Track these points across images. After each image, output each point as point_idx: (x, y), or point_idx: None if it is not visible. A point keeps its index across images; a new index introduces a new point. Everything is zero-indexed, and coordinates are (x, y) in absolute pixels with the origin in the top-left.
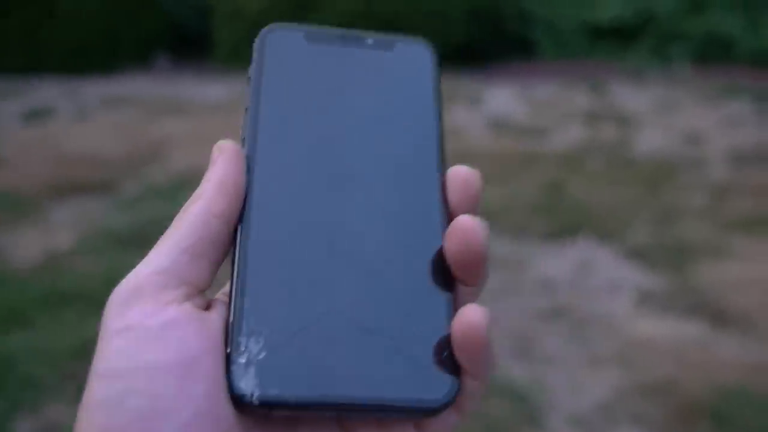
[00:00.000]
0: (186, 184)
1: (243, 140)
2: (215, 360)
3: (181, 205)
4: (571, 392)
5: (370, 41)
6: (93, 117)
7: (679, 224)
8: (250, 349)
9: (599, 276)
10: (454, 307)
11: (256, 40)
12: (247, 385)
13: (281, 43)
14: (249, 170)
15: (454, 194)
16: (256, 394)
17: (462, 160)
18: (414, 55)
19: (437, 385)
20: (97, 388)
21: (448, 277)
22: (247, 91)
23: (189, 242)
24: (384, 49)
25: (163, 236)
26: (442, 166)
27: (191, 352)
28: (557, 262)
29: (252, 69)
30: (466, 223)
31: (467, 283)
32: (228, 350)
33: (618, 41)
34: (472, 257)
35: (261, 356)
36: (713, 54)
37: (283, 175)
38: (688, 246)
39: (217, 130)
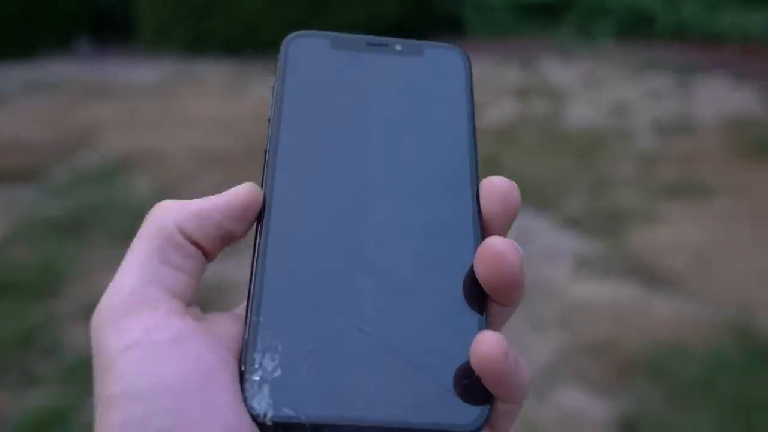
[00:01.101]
0: (118, 169)
1: (265, 152)
2: (232, 372)
3: (114, 190)
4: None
5: (398, 47)
6: (14, 103)
7: (611, 192)
8: (265, 367)
9: (538, 244)
10: (487, 326)
11: (281, 48)
12: (260, 404)
13: (305, 51)
14: (268, 185)
15: (491, 207)
16: (269, 414)
17: None
18: (445, 61)
19: (466, 409)
20: (117, 412)
21: (481, 295)
22: (270, 102)
23: (163, 253)
24: (414, 55)
25: (131, 249)
26: (476, 176)
27: (208, 364)
28: None
29: (276, 79)
30: (497, 245)
31: (501, 304)
32: (242, 368)
33: (545, 18)
34: (503, 281)
35: (276, 374)
36: (636, 29)
37: (304, 187)
38: (621, 213)
39: (146, 112)
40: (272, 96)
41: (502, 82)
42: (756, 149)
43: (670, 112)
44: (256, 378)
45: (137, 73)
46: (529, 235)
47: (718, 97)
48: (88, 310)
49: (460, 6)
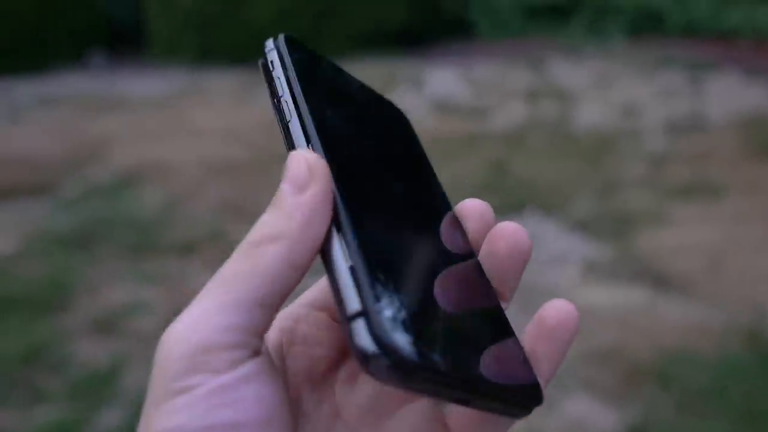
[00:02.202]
0: (128, 182)
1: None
2: (290, 412)
3: (124, 203)
4: None
5: (363, 85)
6: (28, 118)
7: (621, 194)
8: (391, 305)
9: (546, 248)
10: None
11: (269, 45)
12: (401, 340)
13: (298, 52)
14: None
15: (470, 224)
16: (406, 352)
17: None
18: (396, 112)
19: (531, 375)
20: None
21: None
22: (275, 96)
23: (264, 294)
24: (376, 97)
25: (224, 276)
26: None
27: (269, 407)
28: None
29: (278, 73)
30: (510, 224)
31: (502, 297)
32: (358, 307)
33: (554, 19)
34: (521, 255)
35: (401, 315)
36: (646, 27)
37: (357, 182)
38: (630, 215)
39: (156, 124)
40: (276, 89)
41: (510, 85)
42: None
43: (682, 111)
44: (388, 314)
45: (148, 86)
46: (537, 239)
47: (730, 94)
48: (96, 325)
49: (468, 9)
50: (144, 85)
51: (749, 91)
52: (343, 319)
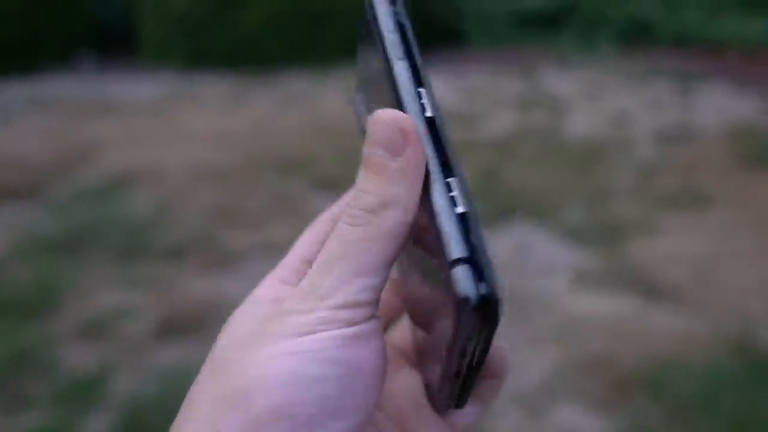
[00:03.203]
0: (117, 185)
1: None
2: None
3: (112, 207)
4: (512, 371)
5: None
6: (16, 121)
7: (610, 203)
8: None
9: (536, 257)
10: None
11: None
12: (498, 284)
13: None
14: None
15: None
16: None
17: None
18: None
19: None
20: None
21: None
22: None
23: (391, 256)
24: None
25: (349, 243)
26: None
27: (383, 361)
28: (495, 246)
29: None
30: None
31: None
32: (465, 253)
33: (545, 28)
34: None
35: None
36: (636, 38)
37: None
38: (620, 224)
39: (146, 128)
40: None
41: (502, 94)
42: (757, 158)
43: (671, 121)
44: (491, 260)
45: (138, 89)
46: (528, 247)
47: (719, 105)
48: (84, 329)
49: (460, 18)
50: (135, 89)
51: (738, 101)
52: (443, 264)
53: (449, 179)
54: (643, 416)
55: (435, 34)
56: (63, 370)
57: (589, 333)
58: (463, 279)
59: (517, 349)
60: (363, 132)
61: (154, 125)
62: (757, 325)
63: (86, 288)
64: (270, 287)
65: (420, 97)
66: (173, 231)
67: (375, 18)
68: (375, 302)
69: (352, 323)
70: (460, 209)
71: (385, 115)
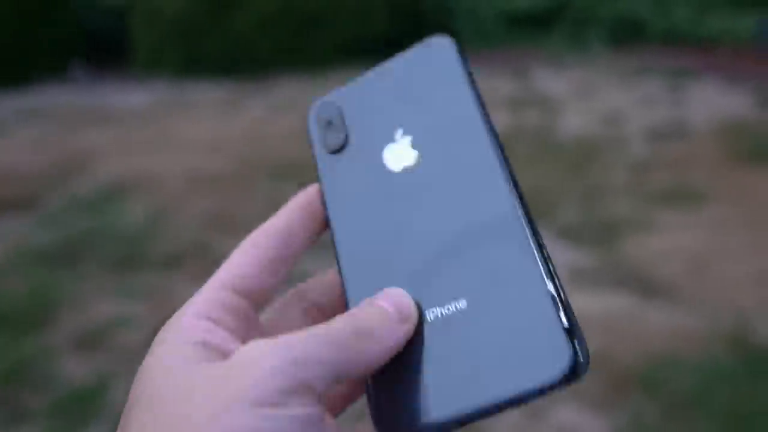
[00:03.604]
0: (111, 195)
1: None
2: None
3: (107, 217)
4: None
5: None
6: (9, 131)
7: (605, 201)
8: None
9: None
10: None
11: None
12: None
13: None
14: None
15: None
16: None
17: None
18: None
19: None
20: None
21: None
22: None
23: (344, 371)
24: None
25: (323, 332)
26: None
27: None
28: None
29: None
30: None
31: None
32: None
33: (536, 28)
34: None
35: None
36: (626, 36)
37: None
38: (614, 222)
39: (140, 137)
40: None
41: (494, 94)
42: (749, 153)
43: (663, 119)
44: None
45: (131, 98)
46: None
47: (710, 102)
48: (81, 340)
49: (451, 18)
50: (128, 98)
51: (729, 98)
52: (547, 330)
53: (545, 258)
54: (640, 413)
55: (426, 35)
56: (61, 381)
57: (585, 331)
58: (569, 347)
59: None
60: (328, 140)
61: (148, 133)
62: (751, 320)
63: (82, 298)
64: (196, 327)
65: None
66: (168, 239)
67: (458, 68)
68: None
69: (310, 404)
70: (551, 291)
71: (402, 291)
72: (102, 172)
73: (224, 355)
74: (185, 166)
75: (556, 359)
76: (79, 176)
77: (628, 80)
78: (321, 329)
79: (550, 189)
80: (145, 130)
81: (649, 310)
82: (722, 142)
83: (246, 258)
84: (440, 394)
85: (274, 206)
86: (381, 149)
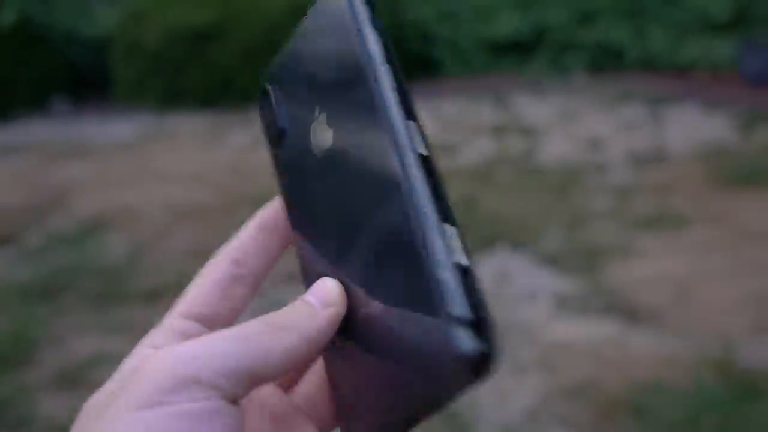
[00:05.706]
0: (92, 229)
1: None
2: None
3: (88, 252)
4: (497, 401)
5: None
6: None
7: (588, 227)
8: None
9: (516, 284)
10: None
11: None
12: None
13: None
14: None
15: None
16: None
17: None
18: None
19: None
20: None
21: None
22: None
23: (260, 371)
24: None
25: (238, 335)
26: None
27: None
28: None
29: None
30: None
31: None
32: (468, 314)
33: (517, 55)
34: None
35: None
36: (605, 62)
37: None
38: (598, 248)
39: (121, 170)
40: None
41: (476, 121)
42: (729, 177)
43: (644, 144)
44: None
45: (113, 131)
46: (508, 275)
47: (690, 127)
48: (60, 378)
49: (433, 47)
50: (109, 131)
51: (708, 122)
52: (436, 317)
53: (446, 228)
54: None
55: (408, 63)
56: (39, 420)
57: (571, 359)
58: (462, 338)
59: (500, 379)
60: (269, 133)
61: (129, 166)
62: (737, 345)
63: (62, 335)
64: (140, 356)
65: (410, 130)
66: (150, 273)
67: (353, 15)
68: (225, 391)
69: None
70: (458, 260)
71: (330, 281)
72: (82, 206)
73: None
74: (167, 198)
75: (444, 350)
76: (59, 211)
77: (608, 106)
78: (233, 329)
79: (534, 215)
80: (126, 163)
81: (635, 337)
82: (703, 166)
83: (197, 285)
84: (370, 397)
85: None
86: (308, 133)
